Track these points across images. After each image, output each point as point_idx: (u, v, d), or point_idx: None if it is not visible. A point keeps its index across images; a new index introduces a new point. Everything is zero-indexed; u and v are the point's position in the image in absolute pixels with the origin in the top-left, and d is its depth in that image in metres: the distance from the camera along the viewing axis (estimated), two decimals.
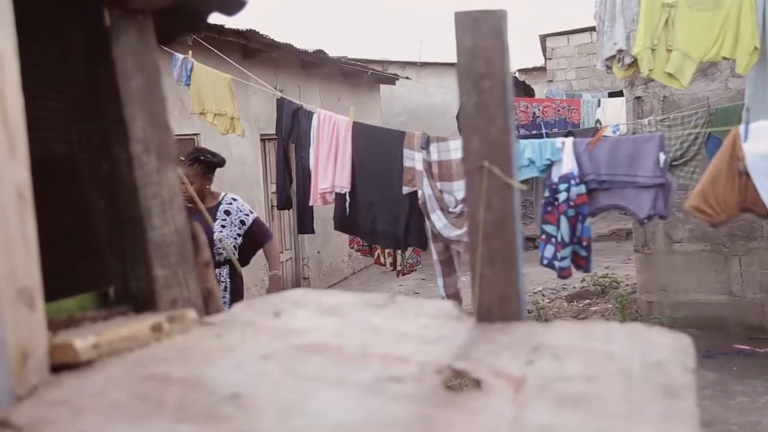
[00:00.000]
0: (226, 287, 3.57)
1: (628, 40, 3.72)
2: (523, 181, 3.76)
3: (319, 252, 9.23)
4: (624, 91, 6.99)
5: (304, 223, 5.72)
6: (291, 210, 6.93)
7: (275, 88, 6.92)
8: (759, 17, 3.68)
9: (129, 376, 0.71)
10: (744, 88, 5.60)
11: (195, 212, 3.18)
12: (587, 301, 7.40)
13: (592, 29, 12.69)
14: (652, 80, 4.87)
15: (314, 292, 1.12)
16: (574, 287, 7.56)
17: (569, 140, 3.54)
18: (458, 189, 3.00)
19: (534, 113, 10.46)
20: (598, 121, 10.27)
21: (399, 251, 5.31)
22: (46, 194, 0.76)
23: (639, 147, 3.38)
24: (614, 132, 5.93)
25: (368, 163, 2.86)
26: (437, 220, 3.06)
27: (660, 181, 3.34)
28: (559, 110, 10.45)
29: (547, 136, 5.67)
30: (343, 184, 4.38)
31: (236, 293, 3.65)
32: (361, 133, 3.54)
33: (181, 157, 3.47)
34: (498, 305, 0.95)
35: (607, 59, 3.83)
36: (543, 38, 12.98)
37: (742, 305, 6.13)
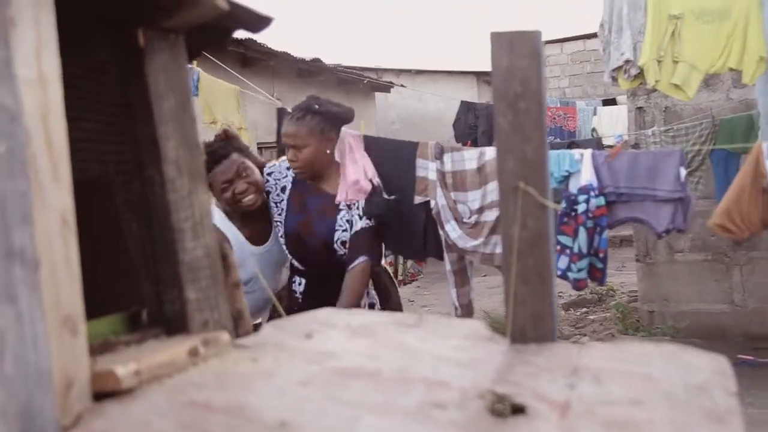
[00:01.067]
0: (373, 304, 2.81)
1: (634, 51, 3.74)
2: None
3: None
4: (626, 100, 7.01)
5: None
6: None
7: (272, 96, 6.94)
8: (766, 28, 3.70)
9: (171, 403, 0.70)
10: (746, 99, 5.63)
11: (314, 192, 2.67)
12: (585, 309, 7.40)
13: (585, 37, 12.74)
14: (655, 90, 4.88)
15: (342, 312, 1.11)
16: (571, 295, 7.56)
17: (588, 152, 3.56)
18: (473, 199, 3.00)
19: None
20: (594, 130, 10.31)
21: (401, 261, 5.32)
22: (81, 217, 0.75)
23: (659, 161, 3.39)
24: (617, 141, 5.94)
25: (380, 173, 2.87)
26: (452, 231, 3.05)
27: (680, 195, 3.35)
28: (555, 118, 10.49)
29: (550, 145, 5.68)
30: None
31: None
32: (373, 145, 3.52)
33: (289, 110, 2.84)
34: (532, 325, 0.95)
35: (614, 70, 3.84)
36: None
37: (744, 315, 6.13)
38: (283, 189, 2.73)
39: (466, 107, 11.92)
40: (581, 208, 3.45)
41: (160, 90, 0.91)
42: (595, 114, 10.34)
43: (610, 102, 10.58)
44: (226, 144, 2.57)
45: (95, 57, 0.87)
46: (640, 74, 3.77)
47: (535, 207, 0.92)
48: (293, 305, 2.69)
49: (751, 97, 5.41)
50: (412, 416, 0.71)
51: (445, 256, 3.12)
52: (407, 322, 1.02)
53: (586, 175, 3.47)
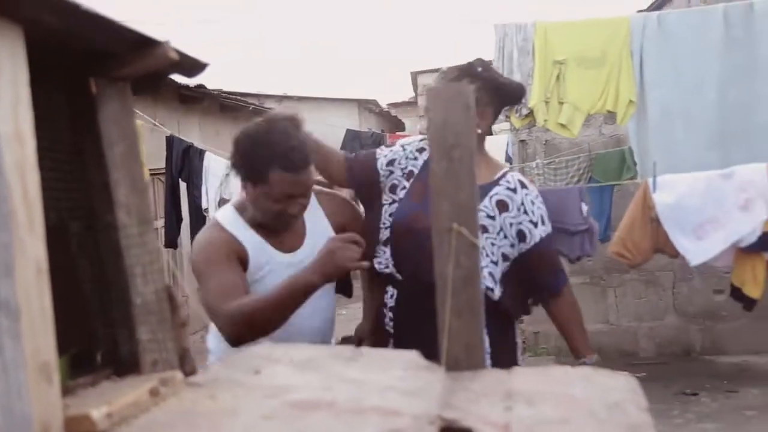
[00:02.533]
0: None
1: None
2: None
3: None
4: (505, 131, 7.39)
5: None
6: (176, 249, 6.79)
7: (155, 122, 6.80)
8: (636, 76, 4.10)
9: None
10: (616, 134, 6.11)
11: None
12: None
13: None
14: (535, 125, 5.20)
15: (280, 347, 1.15)
16: None
17: None
18: None
19: None
20: None
21: None
22: None
23: (564, 198, 3.67)
24: None
25: None
26: None
27: (585, 226, 3.65)
28: None
29: None
30: None
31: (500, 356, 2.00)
32: None
33: (443, 73, 2.23)
34: (465, 354, 1.03)
35: (506, 109, 4.10)
36: (414, 75, 13.40)
37: (619, 333, 6.57)
38: (410, 174, 2.19)
39: (351, 135, 12.08)
40: None
41: (111, 137, 0.93)
42: None
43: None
44: (305, 150, 1.98)
45: (50, 106, 0.89)
46: (531, 114, 4.06)
47: (467, 246, 1.01)
48: (381, 322, 2.19)
49: (620, 133, 5.88)
50: None
51: None
52: (346, 355, 1.08)
53: None
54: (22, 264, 0.67)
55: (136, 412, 0.80)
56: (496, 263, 2.11)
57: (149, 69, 0.98)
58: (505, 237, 2.12)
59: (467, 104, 0.99)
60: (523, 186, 2.17)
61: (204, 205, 5.86)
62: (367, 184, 2.23)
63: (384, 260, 2.14)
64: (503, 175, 2.18)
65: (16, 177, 0.68)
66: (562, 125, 4.04)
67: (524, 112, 4.06)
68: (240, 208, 2.06)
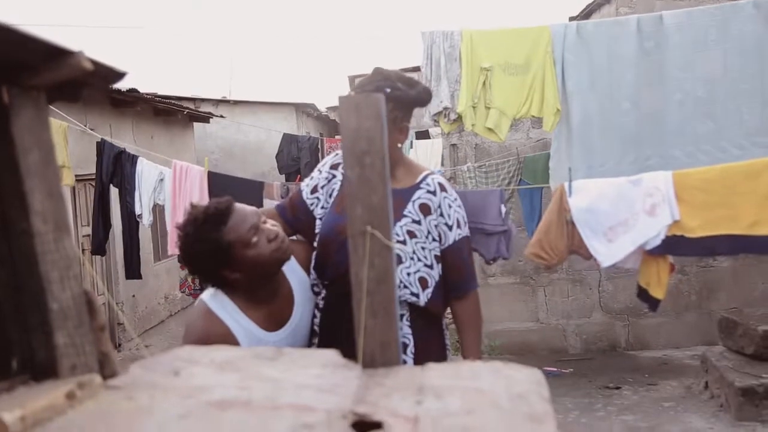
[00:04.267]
0: (406, 345, 2.15)
1: (452, 98, 4.11)
2: None
3: (134, 296, 8.87)
4: (439, 135, 7.52)
5: (132, 269, 5.55)
6: (104, 255, 6.66)
7: (85, 127, 6.65)
8: (559, 83, 4.26)
9: None
10: (543, 138, 6.30)
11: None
12: None
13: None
14: (463, 129, 5.32)
15: (202, 349, 1.17)
16: None
17: None
18: None
19: None
20: None
21: None
22: None
23: (484, 198, 3.78)
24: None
25: None
26: None
27: (503, 228, 3.76)
28: None
29: None
30: None
31: (426, 355, 2.10)
32: (218, 181, 3.52)
33: (356, 88, 2.28)
34: (380, 352, 1.08)
35: (435, 114, 4.19)
36: (352, 78, 13.48)
37: (548, 331, 6.76)
38: (331, 193, 2.26)
39: (288, 139, 12.07)
40: None
41: (25, 145, 0.94)
42: (411, 147, 10.87)
43: (423, 135, 11.16)
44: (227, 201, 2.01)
45: None
46: (459, 118, 4.15)
47: (381, 248, 1.06)
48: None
49: (547, 137, 6.08)
50: None
51: None
52: (267, 355, 1.11)
53: None
54: None
55: (51, 415, 0.81)
56: (431, 266, 2.17)
57: (64, 78, 0.99)
58: (434, 239, 2.19)
59: (378, 112, 1.04)
60: (443, 189, 2.24)
61: (137, 211, 5.77)
62: (304, 220, 2.28)
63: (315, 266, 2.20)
64: (424, 179, 2.24)
65: None
66: (490, 129, 4.15)
67: (452, 117, 4.15)
68: (222, 290, 2.06)
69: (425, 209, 2.19)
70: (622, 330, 6.71)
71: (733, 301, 6.46)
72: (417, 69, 4.57)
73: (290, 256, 2.09)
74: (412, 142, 11.16)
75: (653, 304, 4.10)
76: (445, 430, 0.85)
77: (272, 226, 2.04)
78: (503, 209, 3.82)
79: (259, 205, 3.15)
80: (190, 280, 9.16)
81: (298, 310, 2.14)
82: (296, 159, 11.74)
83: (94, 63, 1.03)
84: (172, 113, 10.29)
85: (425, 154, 10.60)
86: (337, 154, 2.32)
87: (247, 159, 13.35)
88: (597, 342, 6.72)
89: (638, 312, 6.61)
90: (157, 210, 6.16)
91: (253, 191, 3.38)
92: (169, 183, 5.41)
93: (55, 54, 0.93)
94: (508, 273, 6.71)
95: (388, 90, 2.11)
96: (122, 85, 8.75)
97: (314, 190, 2.30)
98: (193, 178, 4.81)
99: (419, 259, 2.15)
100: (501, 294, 6.73)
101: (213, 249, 1.96)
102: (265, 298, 2.07)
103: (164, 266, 9.97)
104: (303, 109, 15.05)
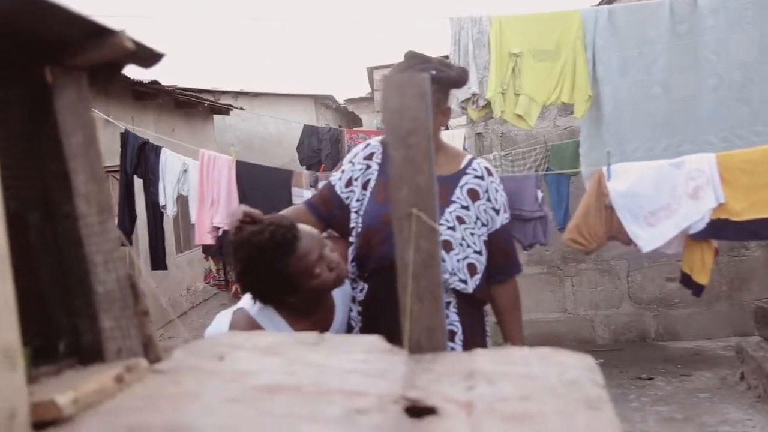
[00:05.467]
0: (454, 332, 2.12)
1: (481, 85, 4.06)
2: None
3: (156, 287, 8.95)
4: (461, 126, 7.47)
5: (158, 259, 5.57)
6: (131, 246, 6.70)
7: (108, 118, 6.69)
8: (590, 69, 4.20)
9: (112, 428, 0.73)
10: (570, 126, 6.23)
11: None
12: None
13: None
14: (492, 117, 5.27)
15: (243, 334, 1.16)
16: None
17: None
18: None
19: None
20: None
21: None
22: None
23: (520, 184, 3.74)
24: None
25: (255, 201, 2.86)
26: None
27: (540, 214, 3.72)
28: None
29: None
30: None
31: (472, 342, 2.08)
32: (245, 171, 3.52)
33: (396, 70, 2.15)
34: (426, 337, 1.05)
35: (463, 101, 4.15)
36: (371, 70, 13.42)
37: (575, 321, 6.70)
38: (366, 184, 2.20)
39: (309, 131, 12.06)
40: None
41: (68, 126, 0.93)
42: None
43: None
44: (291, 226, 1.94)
45: (3, 95, 0.88)
46: (487, 105, 4.11)
47: (427, 231, 1.03)
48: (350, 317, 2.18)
49: (574, 125, 6.00)
50: (341, 423, 0.78)
51: None
52: (309, 341, 1.10)
53: None
54: None
55: (101, 398, 0.80)
56: (479, 252, 2.14)
57: (105, 58, 0.97)
58: (483, 224, 2.16)
59: (422, 91, 1.01)
60: (489, 173, 2.22)
61: (161, 202, 5.80)
62: (339, 215, 2.23)
63: (354, 258, 2.15)
64: (469, 163, 2.21)
65: None
66: (519, 116, 4.11)
67: (481, 103, 4.11)
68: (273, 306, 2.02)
69: (473, 194, 2.16)
70: (652, 321, 6.62)
71: (765, 290, 6.34)
72: (445, 57, 4.53)
73: (345, 279, 2.06)
74: None
75: (697, 289, 4.04)
76: (501, 416, 0.83)
77: (331, 251, 2.01)
78: (539, 195, 3.78)
79: (288, 193, 3.15)
80: (215, 270, 9.21)
81: (338, 312, 2.12)
82: (317, 150, 11.73)
83: (135, 44, 1.01)
84: (193, 105, 10.33)
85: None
86: (368, 145, 2.27)
87: (266, 151, 13.37)
88: (626, 333, 6.65)
89: (668, 302, 6.52)
90: (180, 201, 6.18)
91: (281, 180, 3.37)
92: (193, 173, 5.42)
93: (98, 33, 0.92)
94: (534, 263, 6.65)
95: (433, 72, 2.06)
96: (144, 76, 8.81)
97: (348, 183, 2.24)
98: (221, 168, 4.81)
99: (468, 246, 2.11)
100: (528, 284, 6.67)
101: (276, 279, 1.91)
102: (312, 311, 2.05)
103: (186, 258, 10.03)
104: (322, 101, 15.05)
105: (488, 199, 2.17)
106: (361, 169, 2.24)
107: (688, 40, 4.17)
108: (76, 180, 0.92)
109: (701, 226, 3.81)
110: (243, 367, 0.96)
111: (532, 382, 0.94)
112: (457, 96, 4.12)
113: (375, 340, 1.10)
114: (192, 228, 6.52)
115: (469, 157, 2.25)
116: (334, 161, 10.61)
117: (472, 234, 2.13)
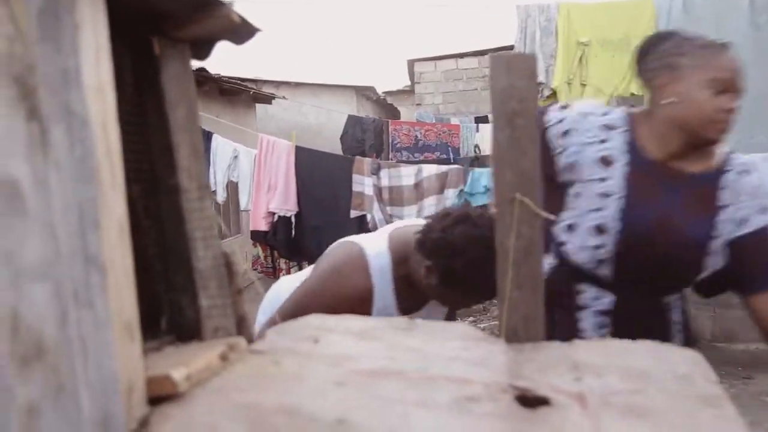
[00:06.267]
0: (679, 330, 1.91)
1: (547, 74, 3.99)
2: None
3: None
4: None
5: None
6: None
7: None
8: None
9: (226, 406, 0.71)
10: None
11: (674, 173, 1.74)
12: (471, 318, 7.62)
13: (458, 56, 12.97)
14: None
15: (333, 318, 1.14)
16: None
17: None
18: (408, 214, 3.06)
19: (416, 136, 10.70)
20: (476, 146, 10.65)
21: None
22: None
23: None
24: None
25: (314, 187, 2.87)
26: None
27: None
28: (440, 134, 10.74)
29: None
30: (289, 207, 4.34)
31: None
32: (305, 157, 3.52)
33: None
34: (523, 326, 1.02)
35: None
36: (411, 63, 13.29)
37: None
38: (603, 161, 1.78)
39: (353, 121, 12.02)
40: None
41: (173, 99, 0.92)
42: (477, 131, 10.60)
43: (482, 119, 10.84)
44: None
45: (116, 66, 0.87)
46: (553, 94, 4.03)
47: (529, 217, 1.00)
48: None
49: None
50: (453, 409, 0.75)
51: None
52: (402, 326, 1.07)
53: None
54: (106, 220, 0.65)
55: (208, 375, 0.78)
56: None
57: (210, 31, 0.96)
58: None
59: (531, 72, 0.97)
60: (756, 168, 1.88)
61: (212, 188, 5.84)
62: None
63: (593, 261, 1.80)
64: (728, 157, 1.85)
65: (99, 130, 0.66)
66: None
67: (546, 93, 4.04)
68: (397, 260, 1.89)
69: (737, 191, 1.81)
70: (708, 322, 6.44)
71: None
72: (510, 47, 4.44)
73: None
74: (478, 126, 10.89)
75: None
76: (617, 409, 0.79)
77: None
78: None
79: (349, 180, 3.13)
80: (263, 257, 9.30)
81: (429, 309, 2.02)
82: (361, 141, 11.68)
83: (240, 17, 1.00)
84: (237, 93, 10.39)
85: (489, 138, 10.33)
86: (606, 113, 1.87)
87: (307, 141, 13.40)
88: None
89: (725, 303, 6.33)
90: (230, 187, 6.21)
91: (342, 167, 3.37)
92: (245, 160, 5.43)
93: (204, 5, 0.90)
94: None
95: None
96: (192, 64, 8.89)
97: (566, 134, 1.86)
98: (280, 153, 4.81)
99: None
100: None
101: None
102: (419, 294, 1.93)
103: (235, 243, 10.12)
104: (363, 92, 15.01)
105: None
106: (595, 137, 1.83)
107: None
108: (179, 154, 0.91)
109: None
110: (340, 350, 0.94)
111: (641, 376, 0.89)
112: None
113: (467, 328, 1.07)
114: (239, 214, 6.53)
115: (725, 150, 1.87)
116: (378, 152, 10.58)
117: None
